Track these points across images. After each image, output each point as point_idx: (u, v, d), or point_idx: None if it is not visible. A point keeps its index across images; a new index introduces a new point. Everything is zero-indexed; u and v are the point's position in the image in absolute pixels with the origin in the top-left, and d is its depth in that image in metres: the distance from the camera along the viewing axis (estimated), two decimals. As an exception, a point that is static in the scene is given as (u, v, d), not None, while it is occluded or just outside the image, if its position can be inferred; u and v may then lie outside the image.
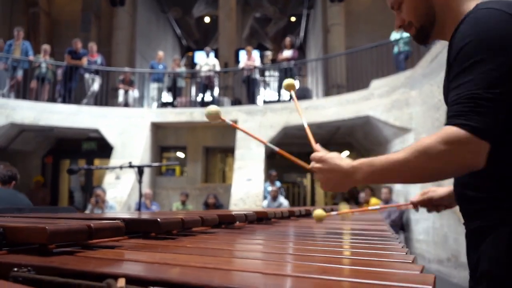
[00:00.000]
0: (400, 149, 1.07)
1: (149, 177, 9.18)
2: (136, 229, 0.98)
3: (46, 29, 12.98)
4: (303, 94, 9.73)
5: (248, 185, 8.10)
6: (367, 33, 11.36)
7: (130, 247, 0.83)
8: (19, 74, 9.00)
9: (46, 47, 9.50)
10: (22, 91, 8.92)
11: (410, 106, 6.87)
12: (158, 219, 0.94)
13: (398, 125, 7.07)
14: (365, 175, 1.03)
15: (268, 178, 8.22)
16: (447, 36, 1.11)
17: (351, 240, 1.11)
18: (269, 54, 17.57)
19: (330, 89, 10.57)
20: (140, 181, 2.50)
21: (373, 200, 7.26)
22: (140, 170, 2.51)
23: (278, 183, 8.05)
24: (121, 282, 0.50)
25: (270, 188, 7.55)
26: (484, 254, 1.00)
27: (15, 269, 0.56)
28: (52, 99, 9.35)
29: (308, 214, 2.07)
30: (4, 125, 8.15)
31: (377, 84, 7.86)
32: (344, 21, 11.99)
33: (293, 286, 0.52)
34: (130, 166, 2.52)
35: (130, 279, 0.52)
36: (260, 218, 1.52)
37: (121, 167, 2.45)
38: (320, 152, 1.14)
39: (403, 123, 6.97)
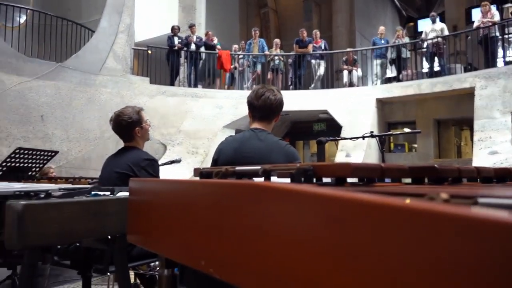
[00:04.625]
0: None
1: (377, 153, 9.17)
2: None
3: (275, 25, 14.47)
4: None
5: (491, 158, 7.15)
6: None
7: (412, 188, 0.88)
8: (258, 68, 10.37)
9: (277, 41, 10.59)
10: (262, 83, 10.24)
11: None
12: (436, 165, 0.96)
13: None
14: None
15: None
16: None
17: None
18: (510, 6, 14.83)
19: None
20: (382, 150, 2.56)
21: None
22: (382, 139, 2.57)
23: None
24: (444, 195, 0.55)
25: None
26: None
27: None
28: (285, 87, 10.39)
29: None
30: (250, 114, 9.55)
31: None
32: None
33: None
34: (372, 135, 2.60)
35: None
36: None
37: (363, 137, 2.57)
38: None
39: None
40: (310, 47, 10.15)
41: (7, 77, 7.26)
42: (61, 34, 8.94)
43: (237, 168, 1.00)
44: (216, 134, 9.01)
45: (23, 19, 9.34)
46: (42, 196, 1.11)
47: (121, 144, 2.58)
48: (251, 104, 2.16)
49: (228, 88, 10.41)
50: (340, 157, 8.39)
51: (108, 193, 1.29)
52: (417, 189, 0.81)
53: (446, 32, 9.40)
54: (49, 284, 3.55)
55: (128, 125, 2.43)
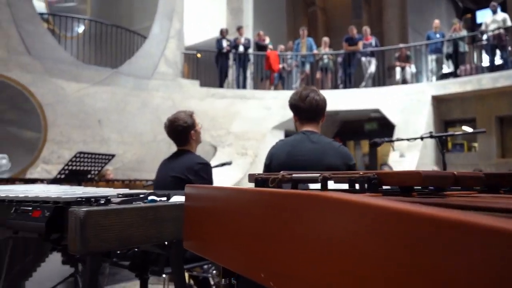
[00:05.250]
0: None
1: (434, 154, 8.77)
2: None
3: (323, 24, 14.28)
4: None
5: None
6: None
7: (488, 197, 0.80)
8: (307, 68, 10.26)
9: (326, 39, 10.43)
10: (311, 83, 10.12)
11: None
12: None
13: None
14: None
15: None
16: None
17: None
18: None
19: None
20: (443, 152, 2.42)
21: None
22: (442, 140, 2.43)
23: None
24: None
25: None
26: None
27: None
28: (335, 86, 10.20)
29: None
30: (299, 114, 9.46)
31: None
32: None
33: None
34: (431, 136, 2.46)
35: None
36: None
37: (422, 138, 2.43)
38: None
39: None
40: (360, 44, 9.90)
41: (67, 84, 7.68)
42: (116, 41, 9.34)
43: (294, 174, 0.96)
44: (265, 135, 9.02)
45: (81, 29, 9.85)
46: (102, 202, 1.13)
47: (173, 146, 2.63)
48: (296, 106, 2.13)
49: (276, 89, 10.39)
50: (393, 158, 8.11)
51: (165, 198, 1.30)
52: (496, 201, 0.73)
53: (509, 23, 8.81)
54: (107, 282, 3.70)
55: (184, 129, 2.46)
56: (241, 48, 10.11)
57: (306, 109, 2.11)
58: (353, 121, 10.79)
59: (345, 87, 9.93)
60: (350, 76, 10.03)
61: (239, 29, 10.24)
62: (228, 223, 0.85)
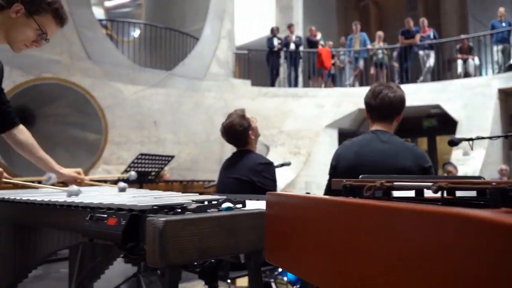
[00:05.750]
0: None
1: (501, 151, 8.19)
2: None
3: (376, 18, 13.81)
4: None
5: None
6: None
7: None
8: (361, 63, 9.94)
9: (380, 33, 10.05)
10: (365, 79, 9.80)
11: None
12: None
13: None
14: None
15: None
16: None
17: None
18: None
19: None
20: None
21: None
22: (531, 137, 2.19)
23: None
24: None
25: None
26: None
27: None
28: (390, 81, 9.80)
29: None
30: (353, 111, 9.18)
31: None
32: None
33: None
34: (507, 136, 2.23)
35: None
36: None
37: (506, 136, 2.21)
38: None
39: None
40: (418, 37, 9.45)
41: (125, 87, 7.93)
42: (170, 44, 9.54)
43: (396, 183, 0.84)
44: (318, 134, 8.83)
45: (137, 33, 10.16)
46: (179, 211, 1.07)
47: (226, 146, 2.57)
48: (368, 104, 2.02)
49: (327, 86, 10.16)
50: (456, 156, 7.65)
51: (240, 205, 1.22)
52: None
53: None
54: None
55: (242, 133, 2.40)
56: (292, 46, 9.99)
57: (377, 107, 1.99)
58: (410, 117, 10.30)
59: (401, 82, 9.51)
60: (407, 70, 9.61)
61: (290, 26, 10.12)
62: (325, 238, 0.75)
